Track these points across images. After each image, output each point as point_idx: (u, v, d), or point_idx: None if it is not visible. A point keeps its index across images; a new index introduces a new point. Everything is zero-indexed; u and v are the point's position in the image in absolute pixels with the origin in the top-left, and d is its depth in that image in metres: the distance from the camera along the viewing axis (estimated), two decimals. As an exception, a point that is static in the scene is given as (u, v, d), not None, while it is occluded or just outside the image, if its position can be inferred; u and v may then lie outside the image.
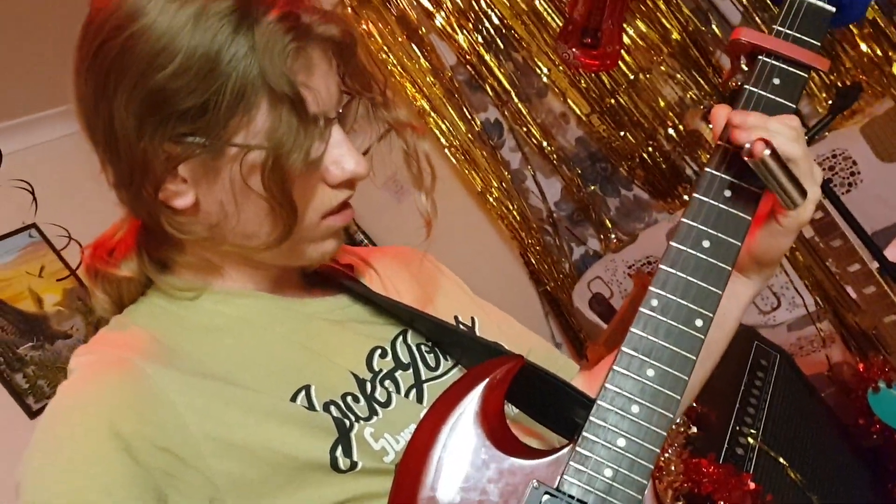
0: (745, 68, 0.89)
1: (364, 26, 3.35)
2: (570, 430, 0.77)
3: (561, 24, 3.00)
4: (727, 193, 0.76)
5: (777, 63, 0.82)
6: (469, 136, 3.36)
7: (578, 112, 3.15)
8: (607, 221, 3.32)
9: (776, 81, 0.82)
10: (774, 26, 0.84)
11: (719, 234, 0.75)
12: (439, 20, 3.23)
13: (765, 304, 2.81)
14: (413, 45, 3.31)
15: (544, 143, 3.28)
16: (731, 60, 0.90)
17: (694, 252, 0.74)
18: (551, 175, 3.38)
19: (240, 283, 0.83)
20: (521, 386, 0.78)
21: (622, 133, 3.11)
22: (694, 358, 0.72)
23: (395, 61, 3.36)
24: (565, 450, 0.72)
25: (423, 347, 0.88)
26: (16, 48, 2.50)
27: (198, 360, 0.76)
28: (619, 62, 2.98)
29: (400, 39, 3.33)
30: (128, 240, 0.84)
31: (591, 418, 0.72)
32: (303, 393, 0.77)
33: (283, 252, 0.79)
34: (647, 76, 2.99)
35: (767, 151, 0.71)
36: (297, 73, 0.71)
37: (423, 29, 3.27)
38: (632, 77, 3.00)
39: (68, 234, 2.52)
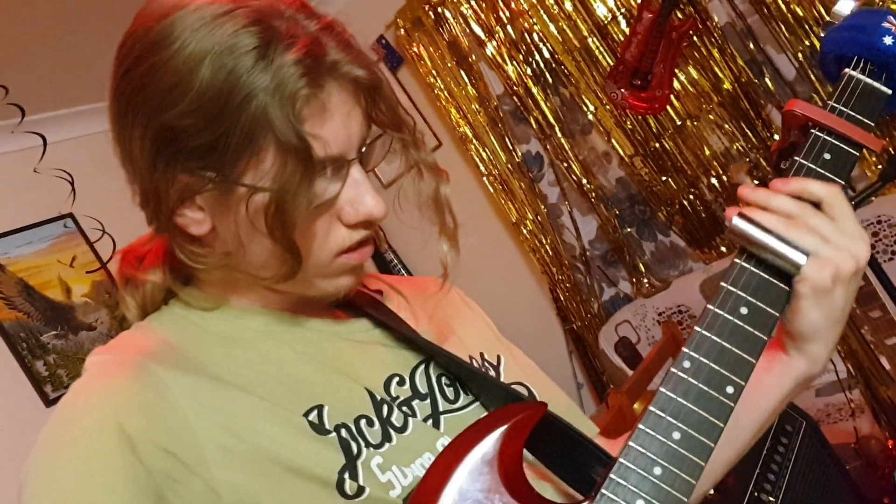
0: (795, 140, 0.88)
1: (415, 49, 3.37)
2: (587, 486, 0.74)
3: (612, 64, 3.00)
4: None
5: (829, 138, 0.81)
6: (509, 166, 3.35)
7: (622, 153, 3.13)
8: (641, 265, 3.28)
9: (826, 156, 0.81)
10: (829, 102, 0.83)
11: (758, 303, 0.73)
12: (490, 49, 3.23)
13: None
14: (462, 72, 3.32)
15: (584, 181, 3.25)
16: (783, 131, 0.88)
17: (731, 318, 0.72)
18: (588, 213, 3.35)
19: (261, 301, 0.83)
20: (540, 434, 0.76)
21: (664, 178, 3.07)
22: (721, 425, 0.69)
23: (442, 86, 3.37)
24: (581, 498, 0.69)
25: (442, 379, 0.85)
26: (69, 40, 2.54)
27: (212, 368, 0.76)
28: (668, 107, 2.96)
29: (449, 65, 3.34)
30: (157, 250, 0.84)
31: (612, 476, 0.69)
32: (315, 412, 0.75)
33: (296, 284, 0.78)
34: (695, 123, 2.96)
35: (736, 220, 0.74)
36: (308, 118, 0.69)
37: (474, 56, 3.28)
38: (679, 123, 2.98)
39: (102, 227, 2.54)
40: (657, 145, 3.05)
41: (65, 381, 2.54)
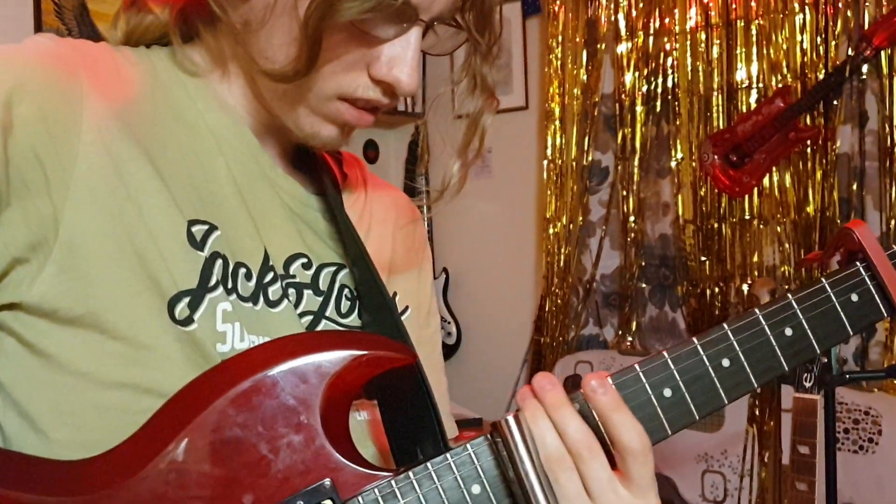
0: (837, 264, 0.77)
1: (555, 7, 3.23)
2: (407, 458, 0.66)
3: (721, 128, 2.86)
4: None
5: (868, 282, 0.71)
6: (574, 163, 3.23)
7: (680, 213, 3.00)
8: (634, 323, 3.18)
9: (853, 297, 0.71)
10: (894, 246, 0.72)
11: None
12: (622, 48, 3.09)
13: (712, 493, 2.66)
14: (584, 53, 3.18)
15: (632, 218, 3.13)
16: (831, 244, 0.77)
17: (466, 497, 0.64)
18: (617, 249, 3.23)
19: (234, 99, 0.75)
20: (396, 383, 0.68)
21: (703, 258, 2.95)
22: None
23: (559, 54, 3.24)
24: (386, 475, 0.61)
25: (345, 291, 0.78)
26: None
27: (140, 125, 0.68)
28: (746, 196, 2.83)
29: (577, 40, 3.20)
30: None
31: (429, 464, 0.61)
32: (204, 227, 0.67)
33: (284, 98, 0.71)
34: (761, 226, 2.82)
35: (511, 422, 0.60)
36: None
37: (603, 46, 3.14)
38: (747, 217, 2.85)
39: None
40: (715, 225, 2.92)
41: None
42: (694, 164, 2.95)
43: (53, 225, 0.61)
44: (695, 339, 0.67)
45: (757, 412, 2.43)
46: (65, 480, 0.58)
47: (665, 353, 0.66)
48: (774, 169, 2.76)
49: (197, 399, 0.59)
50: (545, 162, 3.30)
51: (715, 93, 2.89)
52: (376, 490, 0.59)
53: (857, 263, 0.71)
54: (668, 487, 2.67)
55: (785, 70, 2.73)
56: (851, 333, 0.70)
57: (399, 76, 0.68)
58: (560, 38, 3.24)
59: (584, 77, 3.20)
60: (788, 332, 0.68)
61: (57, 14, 2.53)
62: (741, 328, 0.68)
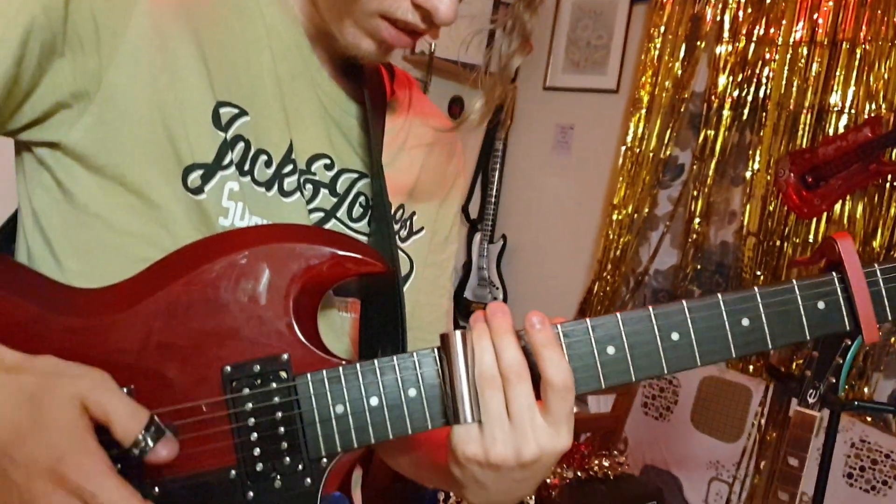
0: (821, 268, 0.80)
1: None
2: (369, 356, 0.74)
3: (803, 147, 2.82)
4: None
5: (839, 293, 0.71)
6: (651, 155, 3.23)
7: (745, 223, 2.98)
8: (678, 323, 3.18)
9: (820, 304, 0.71)
10: (876, 264, 0.72)
11: (421, 401, 0.69)
12: (721, 50, 3.06)
13: (715, 500, 2.68)
14: (683, 48, 3.16)
15: (697, 220, 3.12)
16: (815, 252, 0.79)
17: (400, 392, 0.69)
18: (676, 248, 3.23)
19: (293, 0, 0.81)
20: (377, 290, 0.75)
21: (759, 273, 2.93)
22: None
23: (658, 45, 3.22)
24: (338, 362, 0.68)
25: (360, 198, 0.84)
26: None
27: (199, 6, 0.74)
28: (814, 220, 2.79)
29: (679, 33, 3.17)
30: None
31: (376, 362, 0.68)
32: (234, 110, 0.74)
33: (332, 6, 0.76)
34: (824, 252, 2.78)
35: (456, 336, 0.65)
36: None
37: (703, 44, 3.11)
38: (811, 241, 2.81)
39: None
40: (778, 242, 2.89)
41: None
42: (769, 177, 2.92)
43: (97, 80, 0.69)
44: (650, 308, 0.71)
45: (762, 421, 2.43)
46: (70, 303, 0.67)
47: (618, 315, 0.69)
48: (848, 197, 2.71)
49: (191, 259, 0.68)
50: (623, 148, 3.30)
51: (805, 110, 2.85)
52: (324, 372, 0.67)
53: (833, 274, 0.71)
54: (672, 487, 2.70)
55: (881, 100, 2.67)
56: (808, 338, 0.71)
57: (437, 4, 0.73)
58: (662, 28, 3.22)
59: (679, 71, 3.18)
60: (745, 322, 0.70)
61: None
62: (700, 308, 0.70)
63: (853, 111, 2.73)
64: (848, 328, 0.73)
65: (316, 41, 0.82)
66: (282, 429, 0.65)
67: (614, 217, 3.31)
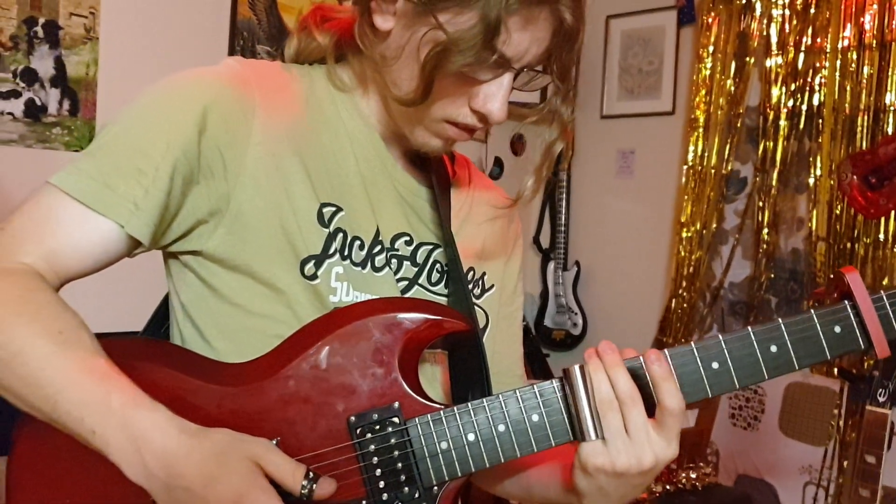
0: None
1: (709, 19, 3.31)
2: (460, 400, 0.89)
3: (863, 149, 2.87)
4: None
5: (852, 318, 0.85)
6: (713, 171, 3.31)
7: (814, 229, 3.03)
8: (758, 332, 3.23)
9: (836, 329, 0.85)
10: (882, 292, 0.86)
11: (546, 422, 0.85)
12: (771, 63, 3.14)
13: None
14: (733, 65, 3.25)
15: (765, 230, 3.19)
16: (828, 285, 0.92)
17: (524, 416, 0.85)
18: (748, 259, 3.29)
19: (369, 111, 0.99)
20: (460, 344, 0.91)
21: (832, 276, 2.97)
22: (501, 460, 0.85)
23: (708, 65, 3.32)
24: (438, 407, 0.84)
25: (437, 266, 1.00)
26: None
27: (296, 127, 0.93)
28: (882, 219, 2.83)
29: (728, 51, 3.27)
30: (341, 23, 1.00)
31: (470, 404, 0.83)
32: (332, 209, 0.92)
33: (404, 116, 0.93)
34: (894, 249, 2.82)
35: (575, 369, 0.81)
36: (512, 14, 0.83)
37: (753, 60, 3.20)
38: (881, 238, 2.85)
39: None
40: (848, 245, 2.94)
41: (251, 89, 2.85)
42: (832, 182, 2.97)
43: (227, 200, 0.88)
44: (692, 344, 0.85)
45: (840, 423, 2.47)
46: (224, 375, 0.85)
47: (691, 343, 0.86)
48: (914, 194, 2.75)
49: (314, 333, 0.85)
50: (685, 167, 3.39)
51: (861, 113, 2.90)
52: (429, 416, 0.83)
53: (846, 302, 0.85)
54: (768, 494, 2.75)
55: (938, 96, 2.72)
56: (829, 358, 0.85)
57: (492, 109, 0.90)
58: (711, 48, 3.32)
59: (731, 88, 3.26)
60: (773, 348, 0.85)
61: (250, 5, 2.90)
62: (735, 339, 0.85)
63: (911, 109, 2.78)
64: (863, 346, 0.86)
65: (389, 141, 1.00)
66: (399, 464, 0.82)
67: (683, 234, 3.39)
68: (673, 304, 3.43)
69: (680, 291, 3.41)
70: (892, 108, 2.82)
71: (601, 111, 3.70)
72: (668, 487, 2.14)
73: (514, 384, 1.02)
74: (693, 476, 2.19)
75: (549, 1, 0.84)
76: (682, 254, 3.40)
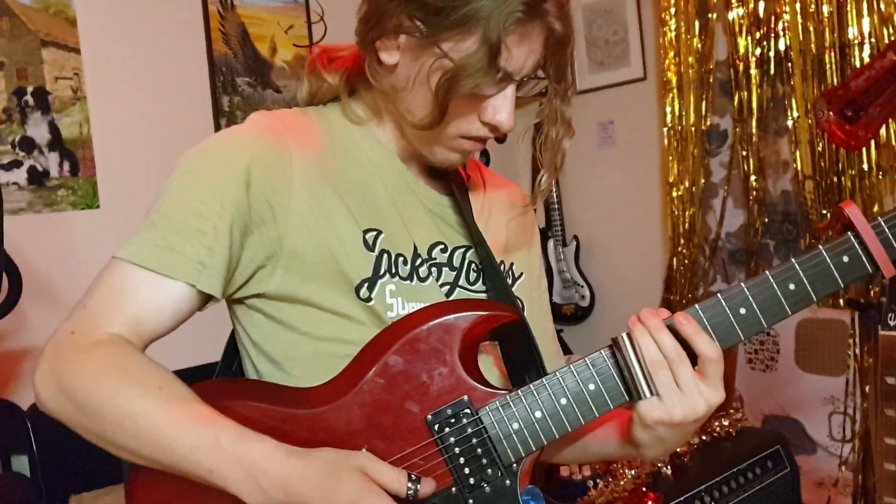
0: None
1: (666, -19, 3.39)
2: (518, 382, 0.97)
3: (835, 84, 2.95)
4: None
5: (856, 246, 0.94)
6: (693, 129, 3.39)
7: (800, 168, 3.12)
8: (761, 277, 3.32)
9: (845, 259, 0.94)
10: (880, 218, 0.94)
11: (603, 388, 0.94)
12: (733, 15, 3.22)
13: (839, 432, 2.82)
14: (697, 23, 3.33)
15: (752, 177, 3.27)
16: (830, 220, 1.00)
17: (581, 386, 0.94)
18: (740, 207, 3.38)
19: (386, 138, 1.06)
20: (509, 332, 0.99)
21: (825, 211, 3.07)
22: (568, 429, 0.93)
23: (673, 26, 3.40)
24: (503, 392, 0.92)
25: (473, 265, 1.08)
26: None
27: (327, 165, 1.01)
28: (863, 149, 2.92)
29: (690, 11, 3.35)
30: (346, 60, 1.08)
31: (532, 385, 0.91)
32: (374, 233, 1.00)
33: (421, 138, 1.01)
34: (881, 177, 2.91)
35: (624, 337, 0.90)
36: (510, 34, 0.91)
37: (715, 15, 3.28)
38: (866, 168, 2.94)
39: (322, 14, 2.82)
40: (836, 179, 3.02)
41: (237, 121, 2.89)
42: (810, 121, 3.05)
43: (280, 243, 0.96)
44: (718, 295, 0.93)
45: (857, 351, 2.57)
46: (306, 399, 0.92)
47: (719, 294, 0.94)
48: (891, 121, 2.84)
49: (380, 347, 0.93)
50: (665, 129, 3.47)
51: (827, 51, 2.98)
52: (497, 401, 0.91)
53: (849, 233, 0.94)
54: (795, 429, 2.85)
55: (896, 22, 2.80)
56: (842, 286, 0.93)
57: (502, 120, 0.98)
58: (673, 10, 3.39)
59: (698, 45, 3.34)
60: (791, 286, 0.93)
61: (224, 41, 2.97)
62: (756, 284, 0.93)
63: (873, 40, 2.86)
64: (871, 270, 0.95)
65: (408, 161, 1.08)
66: (479, 450, 0.90)
67: (674, 194, 3.47)
68: (674, 263, 3.51)
69: (679, 249, 3.50)
70: (856, 42, 2.91)
71: (575, 87, 3.77)
72: (703, 438, 2.23)
73: (553, 360, 1.11)
74: (725, 423, 2.29)
75: (539, 15, 0.92)
76: (676, 212, 3.48)
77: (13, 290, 1.93)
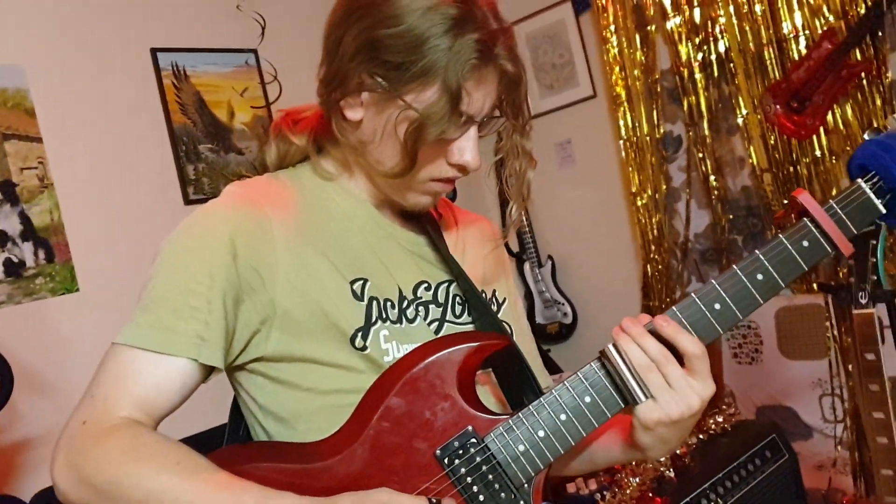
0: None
1: (600, 1, 3.49)
2: (517, 405, 1.01)
3: (778, 79, 3.06)
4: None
5: (814, 230, 0.99)
6: (647, 138, 3.48)
7: (756, 164, 3.21)
8: (734, 272, 3.39)
9: (805, 244, 0.99)
10: (831, 201, 1.00)
11: (598, 399, 0.98)
12: (671, 24, 3.33)
13: (832, 413, 2.87)
14: (637, 37, 3.43)
15: (712, 177, 3.36)
16: (788, 207, 1.06)
17: (577, 401, 0.97)
18: (704, 208, 3.47)
19: (358, 189, 1.10)
20: (502, 357, 1.03)
21: (786, 201, 3.15)
22: (571, 443, 0.97)
23: (614, 42, 3.50)
24: (505, 417, 0.96)
25: (457, 298, 1.12)
26: None
27: (306, 226, 1.04)
28: (813, 137, 3.02)
29: (628, 25, 3.45)
30: (310, 120, 1.13)
31: (531, 406, 0.95)
32: (360, 283, 1.03)
33: (393, 186, 1.06)
34: (834, 161, 3.01)
35: (611, 349, 0.95)
36: (468, 80, 0.96)
37: (653, 27, 3.38)
38: (819, 154, 3.04)
39: (276, 74, 2.88)
40: (791, 169, 3.12)
41: (205, 188, 2.94)
42: (759, 116, 3.15)
43: (272, 306, 0.99)
44: (692, 295, 0.98)
45: (835, 332, 2.64)
46: (316, 453, 0.95)
47: (695, 293, 0.98)
48: (836, 106, 2.94)
49: (379, 392, 0.96)
50: (621, 141, 3.56)
51: (766, 48, 3.09)
52: (500, 427, 0.95)
53: (805, 219, 1.00)
54: (789, 416, 2.90)
55: (827, 13, 2.92)
56: (806, 269, 0.99)
57: (468, 160, 1.03)
58: (612, 27, 3.50)
59: (642, 58, 3.44)
60: (759, 276, 0.98)
61: (182, 111, 3.01)
62: (726, 279, 0.98)
63: (807, 32, 2.97)
64: (830, 251, 1.01)
65: (382, 208, 1.12)
66: (490, 476, 0.93)
67: (638, 203, 3.55)
68: (649, 269, 3.58)
69: (651, 256, 3.57)
70: (791, 36, 3.02)
71: (529, 113, 3.86)
72: (700, 436, 2.28)
73: (541, 377, 1.15)
74: (720, 420, 2.34)
75: (492, 59, 0.97)
76: (643, 221, 3.55)
77: (5, 384, 1.94)
